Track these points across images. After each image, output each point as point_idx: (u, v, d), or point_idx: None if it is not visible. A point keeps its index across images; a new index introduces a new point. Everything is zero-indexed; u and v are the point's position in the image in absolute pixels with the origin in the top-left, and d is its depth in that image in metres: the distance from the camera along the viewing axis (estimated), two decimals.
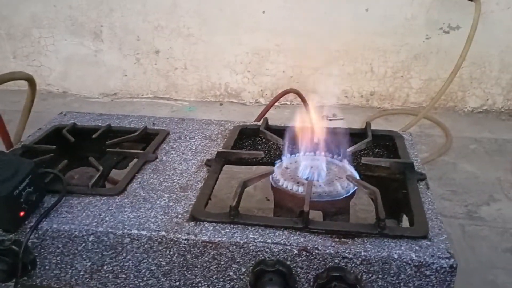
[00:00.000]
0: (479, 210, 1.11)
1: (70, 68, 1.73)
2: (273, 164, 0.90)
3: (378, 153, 0.94)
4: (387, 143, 0.94)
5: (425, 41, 1.53)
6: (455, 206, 1.13)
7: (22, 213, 0.60)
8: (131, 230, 0.64)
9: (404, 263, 0.59)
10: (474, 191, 1.19)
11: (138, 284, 0.67)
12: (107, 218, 0.66)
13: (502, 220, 1.07)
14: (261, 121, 0.97)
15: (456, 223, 1.07)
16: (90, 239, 0.64)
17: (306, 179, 0.81)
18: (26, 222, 0.64)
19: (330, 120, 1.66)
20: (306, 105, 1.41)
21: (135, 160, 0.90)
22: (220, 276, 0.65)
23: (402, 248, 0.60)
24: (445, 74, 1.56)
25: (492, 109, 1.60)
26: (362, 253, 0.60)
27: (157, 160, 0.84)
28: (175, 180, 0.78)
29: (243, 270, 0.64)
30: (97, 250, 0.65)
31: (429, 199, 0.74)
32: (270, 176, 0.79)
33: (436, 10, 1.48)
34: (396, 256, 0.59)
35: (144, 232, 0.63)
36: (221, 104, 1.72)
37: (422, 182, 0.79)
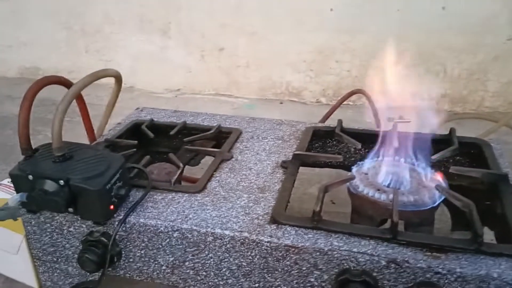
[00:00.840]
0: None
1: (138, 64, 1.77)
2: (347, 168, 0.88)
3: (464, 162, 0.89)
4: (472, 151, 0.89)
5: (507, 42, 1.44)
6: None
7: (112, 207, 0.61)
8: (214, 229, 0.63)
9: (504, 283, 0.55)
10: None
11: (217, 283, 0.67)
12: (190, 215, 0.66)
13: None
14: (336, 123, 0.94)
15: None
16: (175, 235, 0.65)
17: (388, 186, 0.78)
18: (115, 215, 0.65)
19: (397, 122, 1.60)
20: (373, 107, 1.36)
21: (206, 157, 0.90)
22: (301, 281, 0.63)
23: (502, 267, 0.57)
24: None
25: None
26: (457, 270, 0.57)
27: (233, 159, 0.84)
28: (252, 181, 0.77)
29: (325, 277, 0.62)
30: (180, 246, 0.65)
31: None
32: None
33: None
34: (495, 275, 0.56)
35: (227, 232, 0.63)
36: (281, 103, 1.70)
37: None
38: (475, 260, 0.58)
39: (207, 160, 0.92)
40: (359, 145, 0.86)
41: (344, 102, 1.62)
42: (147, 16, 1.69)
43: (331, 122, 1.41)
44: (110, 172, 0.59)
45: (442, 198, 0.74)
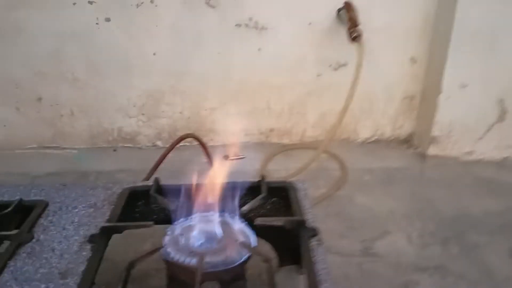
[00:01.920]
0: (374, 245, 1.15)
1: None
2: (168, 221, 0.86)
3: (272, 208, 0.93)
4: (282, 193, 0.94)
5: (317, 78, 1.59)
6: (353, 243, 1.16)
7: None
8: None
9: None
10: (369, 225, 1.23)
11: None
12: None
13: (396, 254, 1.11)
14: (152, 181, 0.92)
15: (354, 261, 1.09)
16: None
17: (197, 245, 0.78)
18: None
19: (232, 159, 1.65)
20: (206, 149, 1.38)
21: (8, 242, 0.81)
22: None
23: None
24: (338, 107, 1.63)
25: (382, 138, 1.69)
26: None
27: (34, 240, 0.76)
28: (54, 265, 0.70)
29: None
30: None
31: (322, 257, 0.74)
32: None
33: (324, 49, 1.54)
34: None
35: None
36: (114, 150, 1.63)
37: (315, 238, 0.79)
38: None
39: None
40: (172, 206, 0.84)
41: (181, 144, 1.62)
42: None
43: (176, 167, 1.39)
44: None
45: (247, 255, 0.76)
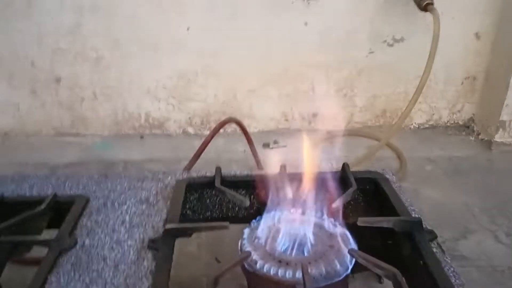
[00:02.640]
0: (458, 246, 0.99)
1: None
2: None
3: (362, 204, 0.77)
4: (367, 187, 0.78)
5: (369, 55, 1.41)
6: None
7: None
8: None
9: None
10: (445, 222, 1.06)
11: None
12: None
13: (486, 256, 0.95)
14: (214, 172, 0.75)
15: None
16: None
17: (285, 251, 0.61)
18: None
19: (272, 148, 1.48)
20: (248, 136, 1.22)
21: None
22: None
23: None
24: (390, 89, 1.46)
25: (438, 124, 1.52)
26: None
27: (77, 246, 0.59)
28: (107, 280, 0.54)
29: None
30: None
31: (451, 268, 0.58)
32: None
33: (380, 21, 1.37)
34: None
35: None
36: (142, 137, 1.46)
37: (433, 242, 0.63)
38: None
39: None
40: (247, 203, 0.68)
41: (208, 132, 1.46)
42: None
43: (213, 156, 1.22)
44: None
45: (353, 261, 0.60)
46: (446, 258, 0.59)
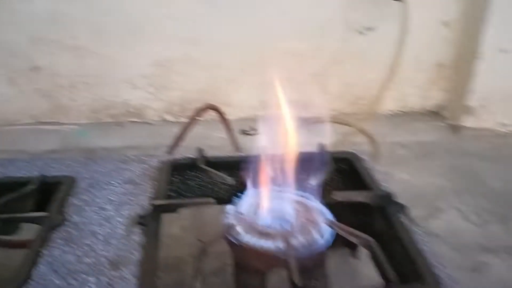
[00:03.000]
0: (429, 224, 1.05)
1: None
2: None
3: (338, 181, 0.81)
4: (342, 166, 0.82)
5: (342, 44, 1.46)
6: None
7: None
8: None
9: None
10: (417, 202, 1.11)
11: None
12: None
13: (455, 233, 1.01)
14: (196, 152, 0.78)
15: None
16: None
17: (267, 225, 0.65)
18: None
19: (249, 134, 1.51)
20: (227, 122, 1.25)
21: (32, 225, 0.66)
22: None
23: None
24: (364, 77, 1.51)
25: (409, 110, 1.59)
26: None
27: (68, 223, 0.61)
28: (100, 253, 0.56)
29: None
30: None
31: (421, 237, 0.63)
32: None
33: (351, 11, 1.41)
34: None
35: None
36: (120, 125, 1.47)
37: (404, 214, 0.67)
38: None
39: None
40: (229, 181, 0.71)
41: (187, 119, 1.48)
42: None
43: (192, 143, 1.24)
44: None
45: (334, 234, 0.64)
46: (417, 228, 0.64)
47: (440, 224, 1.04)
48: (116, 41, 1.37)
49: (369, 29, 1.45)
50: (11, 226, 0.68)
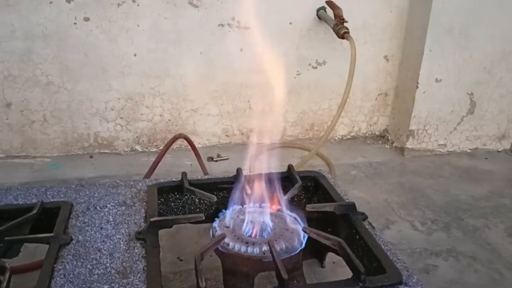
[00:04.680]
0: (383, 235, 1.17)
1: None
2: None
3: (306, 196, 0.93)
4: (309, 183, 0.94)
5: (296, 77, 1.61)
6: None
7: None
8: None
9: None
10: (371, 216, 1.25)
11: None
12: None
13: (406, 241, 1.14)
14: (181, 177, 0.87)
15: None
16: None
17: (250, 236, 0.75)
18: None
19: (216, 160, 1.61)
20: (195, 150, 1.34)
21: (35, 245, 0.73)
22: None
23: None
24: (316, 106, 1.66)
25: (358, 135, 1.74)
26: None
27: (73, 242, 0.69)
28: (107, 265, 0.64)
29: None
30: None
31: (381, 239, 0.75)
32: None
33: (305, 47, 1.56)
34: None
35: None
36: (91, 157, 1.53)
37: (365, 221, 0.80)
38: None
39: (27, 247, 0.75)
40: (214, 198, 0.81)
41: (160, 147, 1.56)
42: None
43: (161, 171, 1.32)
44: None
45: (306, 238, 0.75)
46: (376, 232, 0.76)
47: (392, 234, 1.17)
48: (87, 77, 1.44)
49: (321, 63, 1.61)
50: (13, 250, 0.74)
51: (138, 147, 1.58)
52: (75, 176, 1.39)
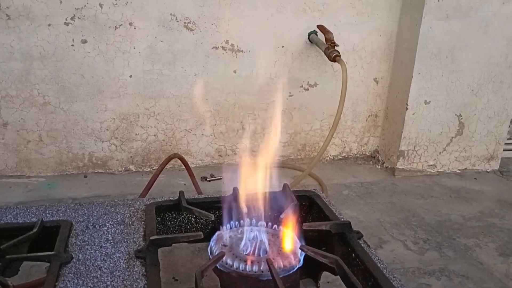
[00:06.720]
0: (378, 254, 1.18)
1: None
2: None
3: (303, 215, 0.94)
4: (303, 202, 0.95)
5: (289, 98, 1.64)
6: None
7: None
8: None
9: None
10: (364, 236, 1.27)
11: None
12: None
13: (399, 260, 1.16)
14: (178, 195, 0.88)
15: None
16: None
17: (247, 254, 0.77)
18: None
19: (209, 180, 1.62)
20: (189, 170, 1.35)
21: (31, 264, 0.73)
22: None
23: None
24: (308, 126, 1.69)
25: (349, 155, 1.77)
26: None
27: (74, 260, 0.69)
28: (108, 283, 0.65)
29: None
30: None
31: (376, 257, 0.76)
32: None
33: (297, 70, 1.60)
34: None
35: None
36: (85, 176, 1.54)
37: (361, 240, 0.81)
38: None
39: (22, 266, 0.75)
40: (212, 217, 0.82)
41: (154, 168, 1.57)
42: None
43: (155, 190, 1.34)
44: None
45: (303, 256, 0.76)
46: (372, 250, 0.78)
47: (385, 253, 1.19)
48: (83, 98, 1.46)
49: (313, 85, 1.65)
50: (13, 268, 0.75)
51: (132, 167, 1.59)
52: (69, 196, 1.39)
